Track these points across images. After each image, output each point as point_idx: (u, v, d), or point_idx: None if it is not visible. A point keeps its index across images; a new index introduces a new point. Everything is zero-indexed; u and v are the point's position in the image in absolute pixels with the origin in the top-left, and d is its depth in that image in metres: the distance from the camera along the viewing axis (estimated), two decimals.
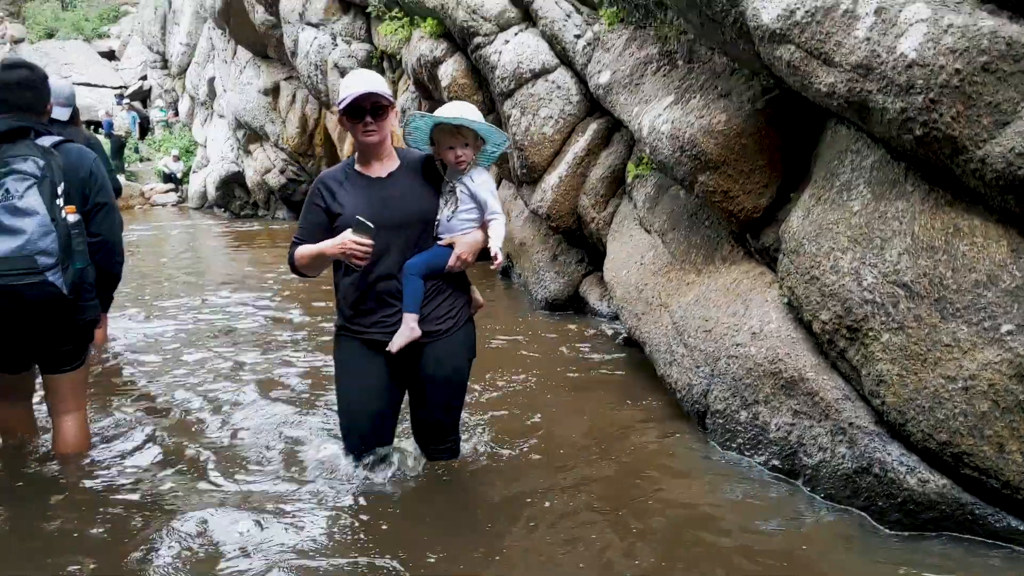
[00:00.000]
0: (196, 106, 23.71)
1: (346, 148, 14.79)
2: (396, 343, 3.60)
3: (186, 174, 24.23)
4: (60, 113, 5.22)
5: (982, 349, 3.10)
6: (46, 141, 3.80)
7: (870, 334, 3.46)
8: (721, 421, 4.19)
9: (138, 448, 4.42)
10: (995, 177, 3.04)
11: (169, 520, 3.54)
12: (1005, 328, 3.06)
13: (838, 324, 3.61)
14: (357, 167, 3.74)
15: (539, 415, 4.77)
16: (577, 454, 4.26)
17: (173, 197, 24.54)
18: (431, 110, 4.07)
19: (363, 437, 3.82)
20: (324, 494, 3.77)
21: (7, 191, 3.56)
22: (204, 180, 21.62)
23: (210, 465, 4.18)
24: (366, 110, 3.57)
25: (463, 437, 4.18)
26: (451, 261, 3.63)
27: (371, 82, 3.59)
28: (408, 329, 3.59)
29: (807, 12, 3.64)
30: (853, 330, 3.54)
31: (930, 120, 3.16)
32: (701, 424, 4.41)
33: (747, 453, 4.03)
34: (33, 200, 3.57)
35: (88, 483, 3.97)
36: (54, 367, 4.03)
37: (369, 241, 3.43)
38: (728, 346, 4.25)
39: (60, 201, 3.67)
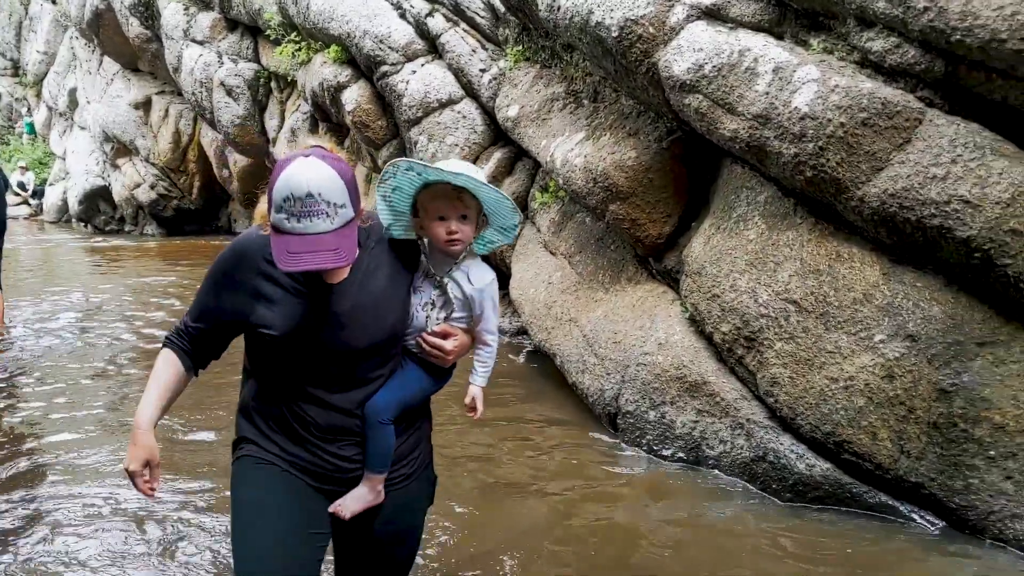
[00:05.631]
0: (54, 117, 22.84)
1: (234, 170, 14.76)
2: (349, 508, 2.48)
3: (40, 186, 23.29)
4: None
5: (859, 355, 3.75)
6: None
7: (765, 343, 4.08)
8: (632, 420, 4.72)
9: None
10: (871, 213, 3.70)
11: None
12: (878, 337, 3.72)
13: (737, 335, 4.22)
14: None
15: (464, 433, 5.09)
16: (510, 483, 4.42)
17: (25, 210, 23.50)
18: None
19: None
20: None
21: None
22: (63, 193, 20.87)
23: None
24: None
25: None
26: (431, 346, 2.45)
27: (322, 189, 2.11)
28: (374, 494, 2.49)
29: (714, 67, 4.25)
30: (750, 340, 4.15)
31: (819, 164, 3.81)
32: (612, 425, 4.93)
33: (656, 448, 4.57)
34: None
35: None
36: None
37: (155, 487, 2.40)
38: (637, 355, 4.79)
39: None
